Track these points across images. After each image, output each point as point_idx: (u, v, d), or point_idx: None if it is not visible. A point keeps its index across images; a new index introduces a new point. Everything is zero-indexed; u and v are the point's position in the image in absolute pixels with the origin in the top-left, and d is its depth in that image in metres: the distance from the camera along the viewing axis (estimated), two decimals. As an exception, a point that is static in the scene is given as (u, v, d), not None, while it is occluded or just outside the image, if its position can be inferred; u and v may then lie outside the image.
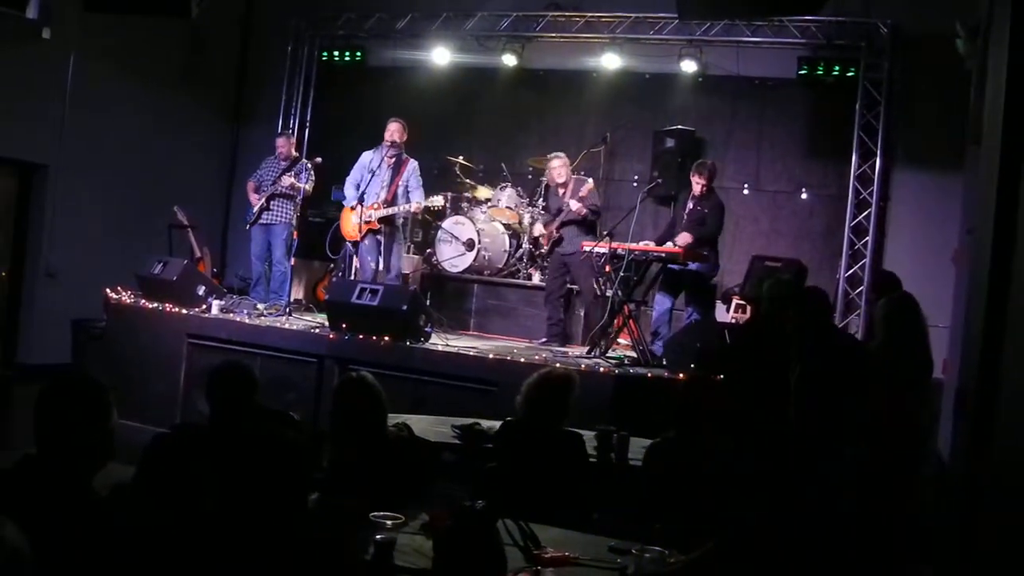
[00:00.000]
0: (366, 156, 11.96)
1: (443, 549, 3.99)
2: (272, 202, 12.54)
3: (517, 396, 6.24)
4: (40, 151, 13.54)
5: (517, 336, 12.43)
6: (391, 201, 11.72)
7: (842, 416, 6.59)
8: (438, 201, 12.18)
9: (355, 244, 11.98)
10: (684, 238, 10.76)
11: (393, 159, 11.80)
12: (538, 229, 12.53)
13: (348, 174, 12.04)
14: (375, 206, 11.65)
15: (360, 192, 11.65)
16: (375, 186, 11.73)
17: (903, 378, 7.57)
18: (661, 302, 11.25)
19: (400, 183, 11.80)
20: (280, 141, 12.98)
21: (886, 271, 9.91)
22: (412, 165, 11.92)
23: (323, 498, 4.69)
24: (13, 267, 13.88)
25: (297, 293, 13.51)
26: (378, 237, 11.84)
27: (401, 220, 12.07)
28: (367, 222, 11.63)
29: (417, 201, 11.77)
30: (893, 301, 8.17)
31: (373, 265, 11.87)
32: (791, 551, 3.41)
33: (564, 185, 11.85)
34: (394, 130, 11.77)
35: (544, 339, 11.77)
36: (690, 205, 11.10)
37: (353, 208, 11.73)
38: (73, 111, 13.64)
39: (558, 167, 11.89)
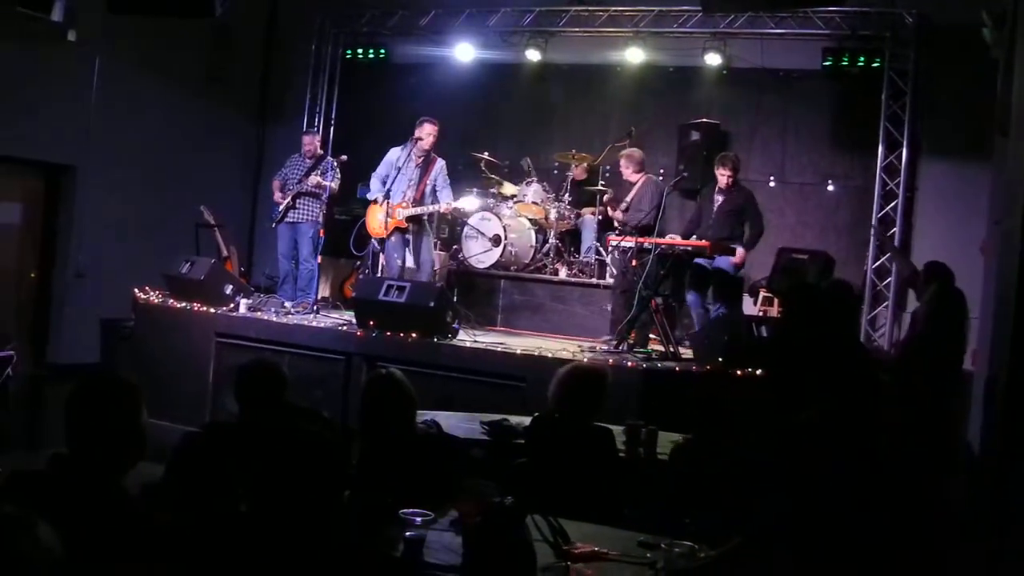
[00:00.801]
0: (394, 152, 11.89)
1: (473, 545, 4.00)
2: (298, 201, 12.57)
3: (547, 390, 6.24)
4: (67, 152, 13.62)
5: (545, 332, 12.40)
6: (419, 200, 11.72)
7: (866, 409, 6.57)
8: (472, 203, 12.24)
9: (381, 241, 11.98)
10: (741, 255, 10.87)
11: (421, 158, 11.77)
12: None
13: (371, 171, 12.02)
14: (403, 204, 11.66)
15: (387, 188, 11.65)
16: (402, 184, 11.70)
17: (941, 367, 7.55)
18: (693, 301, 11.26)
19: (428, 182, 11.78)
20: (306, 139, 13.02)
21: (937, 262, 9.87)
22: (440, 164, 11.89)
23: (353, 495, 4.70)
24: (42, 268, 13.98)
25: (323, 291, 13.55)
26: (406, 235, 11.83)
27: (426, 217, 12.05)
28: (393, 219, 11.64)
29: (447, 202, 11.78)
30: (939, 292, 8.15)
31: (399, 262, 11.85)
32: (818, 544, 3.40)
33: (632, 184, 11.91)
34: (428, 131, 11.67)
35: (608, 336, 11.64)
36: (719, 199, 11.08)
37: (377, 202, 11.74)
38: (99, 112, 13.71)
39: (622, 165, 12.04)
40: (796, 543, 3.39)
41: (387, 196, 11.57)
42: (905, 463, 6.46)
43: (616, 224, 12.05)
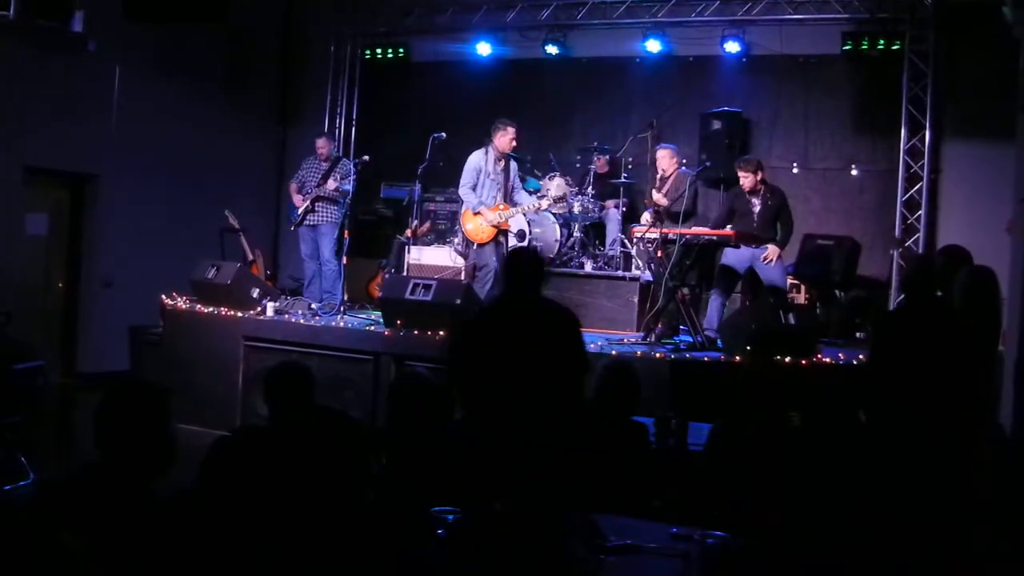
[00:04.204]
0: (477, 158, 11.74)
1: (506, 541, 3.99)
2: (317, 203, 12.60)
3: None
4: (91, 162, 13.68)
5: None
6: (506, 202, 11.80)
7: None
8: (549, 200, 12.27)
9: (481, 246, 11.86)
10: (775, 251, 10.80)
11: (501, 161, 11.76)
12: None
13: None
14: (501, 207, 11.65)
15: (480, 196, 11.63)
16: (491, 189, 11.68)
17: (982, 349, 7.50)
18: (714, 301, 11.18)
19: (510, 184, 11.87)
20: (319, 142, 13.02)
21: (957, 245, 9.82)
22: (514, 164, 12.00)
23: (383, 494, 4.70)
24: (69, 277, 14.05)
25: (348, 291, 13.54)
26: (499, 238, 11.80)
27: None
28: (502, 224, 11.67)
29: (536, 202, 11.98)
30: (975, 273, 8.09)
31: (497, 263, 11.87)
32: (851, 533, 3.40)
33: (666, 178, 11.96)
34: (513, 135, 11.62)
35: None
36: (756, 204, 10.93)
37: (477, 213, 11.64)
38: (121, 120, 13.77)
39: (659, 159, 12.13)
40: (828, 533, 3.38)
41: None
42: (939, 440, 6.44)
43: (656, 206, 11.95)
